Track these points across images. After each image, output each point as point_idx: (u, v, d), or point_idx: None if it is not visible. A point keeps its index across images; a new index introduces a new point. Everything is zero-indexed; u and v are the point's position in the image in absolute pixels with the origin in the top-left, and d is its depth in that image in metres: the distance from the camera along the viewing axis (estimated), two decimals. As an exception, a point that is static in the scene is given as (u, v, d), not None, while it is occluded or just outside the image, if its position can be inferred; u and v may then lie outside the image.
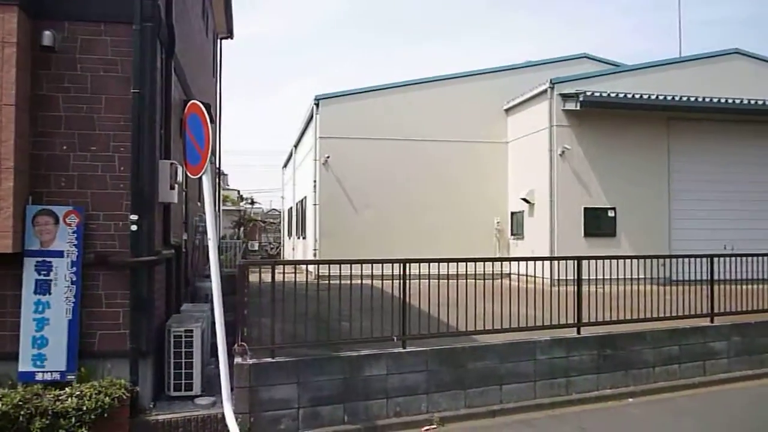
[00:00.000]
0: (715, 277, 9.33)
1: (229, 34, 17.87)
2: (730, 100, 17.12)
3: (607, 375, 8.11)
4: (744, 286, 9.55)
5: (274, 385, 6.51)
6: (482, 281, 7.90)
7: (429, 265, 7.32)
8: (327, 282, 7.03)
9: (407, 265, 7.28)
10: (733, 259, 9.49)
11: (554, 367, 7.82)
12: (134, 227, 6.32)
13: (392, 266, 7.30)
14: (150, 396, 6.47)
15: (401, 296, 7.22)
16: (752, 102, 17.30)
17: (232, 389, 6.05)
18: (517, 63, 21.43)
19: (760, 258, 9.64)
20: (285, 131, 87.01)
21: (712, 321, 9.10)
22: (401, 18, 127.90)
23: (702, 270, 9.33)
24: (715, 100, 17.01)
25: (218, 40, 17.76)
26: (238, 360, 6.49)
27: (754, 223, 18.28)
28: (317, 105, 19.48)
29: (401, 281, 7.22)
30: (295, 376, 6.61)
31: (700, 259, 9.27)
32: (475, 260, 7.71)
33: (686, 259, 9.37)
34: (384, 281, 7.81)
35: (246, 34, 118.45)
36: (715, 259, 9.28)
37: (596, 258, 8.55)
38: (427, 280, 7.44)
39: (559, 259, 10.07)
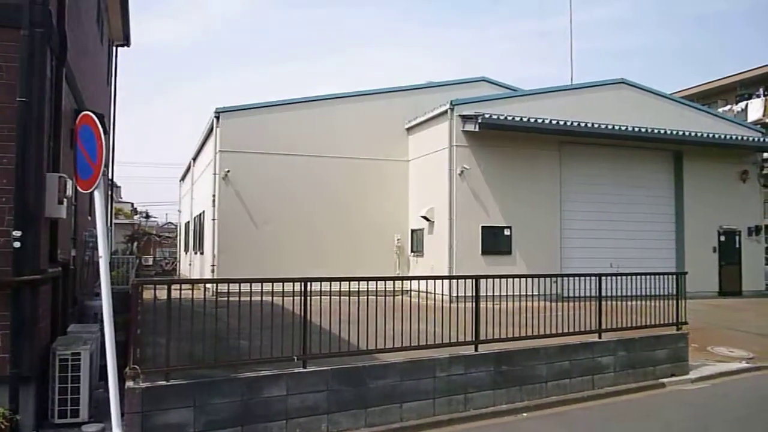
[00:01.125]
0: (603, 294, 9.79)
1: (126, 42, 17.24)
2: (616, 127, 18.16)
3: (503, 391, 8.32)
4: (628, 303, 10.06)
5: (169, 410, 6.25)
6: (383, 298, 7.92)
7: (330, 284, 7.29)
8: (226, 300, 6.85)
9: (308, 283, 7.20)
10: (619, 277, 9.99)
11: (453, 384, 7.94)
12: (17, 244, 5.94)
13: (292, 284, 7.20)
14: (32, 424, 6.07)
15: (302, 315, 7.13)
16: (636, 129, 18.41)
17: (122, 415, 5.75)
18: (418, 83, 21.88)
19: (643, 276, 10.19)
20: (184, 144, 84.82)
21: (600, 337, 9.53)
22: (300, 34, 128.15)
23: (590, 287, 9.78)
24: (603, 126, 18.00)
25: (114, 48, 17.08)
26: (129, 384, 6.19)
27: (636, 242, 19.43)
28: (218, 118, 19.09)
29: (302, 300, 7.14)
30: (190, 399, 6.37)
31: (589, 278, 9.71)
32: (375, 279, 7.75)
33: (577, 278, 9.80)
34: (285, 298, 7.71)
35: (149, 42, 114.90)
36: (603, 278, 9.73)
37: (493, 277, 8.77)
38: (328, 298, 7.40)
39: (457, 278, 10.24)
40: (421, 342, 7.93)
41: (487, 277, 8.74)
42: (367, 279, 7.63)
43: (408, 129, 20.69)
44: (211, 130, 20.06)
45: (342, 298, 7.41)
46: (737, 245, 21.48)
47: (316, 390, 7.00)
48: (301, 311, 7.14)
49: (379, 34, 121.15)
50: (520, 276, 9.23)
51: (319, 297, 7.36)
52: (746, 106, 39.81)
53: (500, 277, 8.78)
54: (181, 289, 6.64)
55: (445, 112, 18.04)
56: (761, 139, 21.76)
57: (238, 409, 6.58)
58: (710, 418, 8.25)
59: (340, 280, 7.34)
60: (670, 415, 8.42)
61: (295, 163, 19.37)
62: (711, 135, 19.94)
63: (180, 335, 6.73)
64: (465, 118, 17.66)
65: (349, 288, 7.28)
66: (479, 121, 16.98)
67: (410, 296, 9.21)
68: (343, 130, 20.01)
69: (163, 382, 6.33)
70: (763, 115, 37.93)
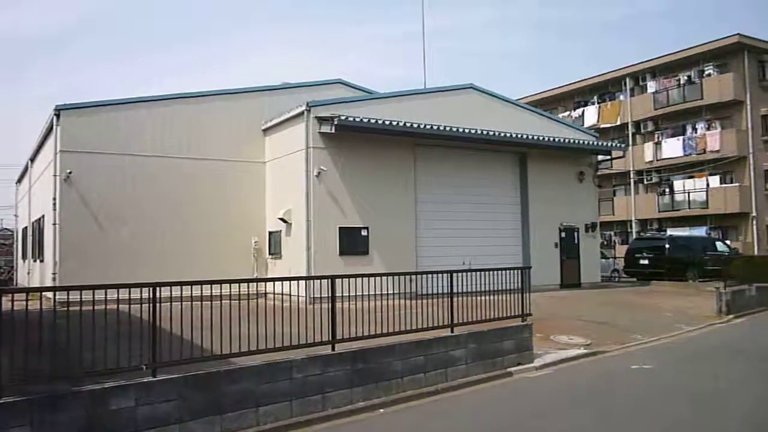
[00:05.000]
0: (455, 290, 10.18)
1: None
2: (466, 130, 18.95)
3: (360, 389, 8.42)
4: (479, 298, 10.55)
5: (2, 430, 5.76)
6: (239, 302, 7.77)
7: (181, 288, 7.04)
8: (66, 309, 6.41)
9: (158, 288, 6.91)
10: (469, 273, 10.44)
11: (310, 384, 7.94)
12: None
13: (140, 290, 6.87)
14: None
15: (151, 322, 6.83)
16: (484, 132, 19.31)
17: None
18: (274, 84, 21.69)
19: (491, 272, 10.71)
20: (20, 142, 78.48)
21: (452, 331, 9.90)
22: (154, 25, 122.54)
23: (444, 284, 10.15)
24: (454, 129, 18.72)
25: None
26: (-48, 405, 5.63)
27: (487, 240, 20.39)
28: (58, 116, 17.84)
29: (151, 306, 6.84)
30: (27, 417, 5.90)
31: (441, 275, 10.06)
32: (229, 282, 7.59)
33: (430, 275, 10.12)
34: (135, 306, 7.34)
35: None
36: (454, 275, 10.12)
37: (347, 276, 8.86)
38: (180, 303, 7.14)
39: (312, 278, 10.29)
40: (277, 344, 7.86)
41: (341, 276, 8.83)
42: (220, 282, 7.45)
43: (264, 130, 20.44)
44: (50, 128, 18.69)
45: (197, 303, 7.18)
46: (576, 241, 23.16)
47: (167, 399, 6.73)
48: (150, 317, 6.84)
49: (244, 32, 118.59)
50: (374, 275, 9.40)
51: (169, 303, 7.09)
52: (583, 112, 43.04)
53: (354, 276, 8.89)
54: (13, 300, 6.15)
55: (302, 113, 18.01)
56: (596, 143, 23.63)
57: (82, 425, 6.18)
58: (551, 400, 8.83)
59: (192, 284, 7.11)
60: (515, 401, 8.94)
61: (146, 164, 18.53)
62: (552, 138, 21.34)
63: (14, 350, 6.21)
64: (321, 120, 17.72)
65: (201, 292, 7.08)
66: (335, 122, 17.10)
67: (268, 299, 9.11)
68: (198, 130, 19.42)
69: (-6, 401, 5.82)
70: (598, 121, 41.18)
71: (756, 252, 32.25)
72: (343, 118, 17.16)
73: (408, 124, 17.99)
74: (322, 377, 8.07)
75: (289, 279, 10.29)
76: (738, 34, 34.76)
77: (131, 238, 18.00)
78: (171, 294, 7.03)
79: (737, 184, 35.08)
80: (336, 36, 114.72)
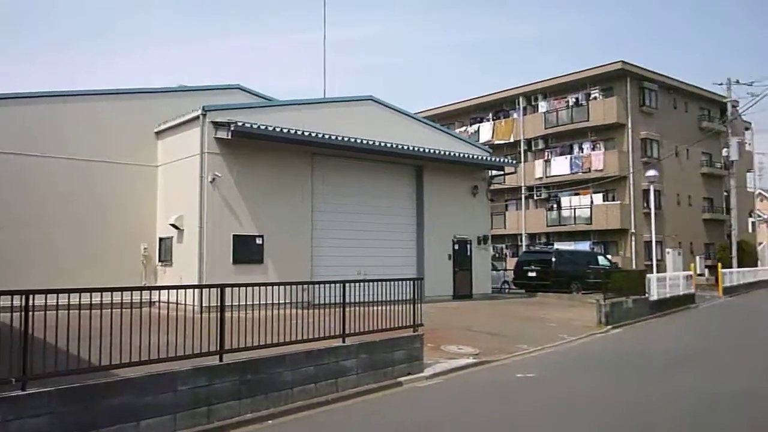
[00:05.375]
0: (349, 300, 10.18)
1: None
2: (364, 141, 19.10)
3: (248, 400, 8.24)
4: (372, 308, 10.59)
5: None
6: (126, 310, 7.42)
7: (57, 296, 6.65)
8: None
9: (30, 296, 6.49)
10: (363, 283, 10.48)
11: (196, 396, 7.69)
12: None
13: (11, 298, 6.44)
14: None
15: (22, 331, 6.41)
16: (382, 144, 19.53)
17: None
18: (170, 86, 21.06)
19: (384, 282, 10.80)
20: None
21: (343, 341, 9.89)
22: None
23: (338, 294, 10.13)
24: (352, 140, 18.82)
25: None
26: None
27: (382, 251, 20.59)
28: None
29: (22, 315, 6.42)
30: None
31: (334, 285, 10.04)
32: (111, 290, 7.22)
33: (323, 285, 10.07)
34: (7, 315, 6.87)
35: None
36: (347, 285, 10.12)
37: (238, 285, 8.67)
38: (61, 312, 6.73)
39: (201, 287, 9.98)
40: (162, 355, 7.57)
41: (232, 285, 8.63)
42: (101, 290, 7.08)
43: (158, 133, 19.78)
44: None
45: (80, 312, 6.80)
46: (469, 253, 23.80)
47: (38, 414, 6.33)
48: (21, 327, 6.42)
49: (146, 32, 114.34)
50: (265, 284, 9.22)
51: (43, 312, 6.67)
52: (479, 128, 44.42)
53: (244, 285, 8.70)
54: None
55: (197, 117, 17.57)
56: (489, 158, 24.42)
57: (-62, 444, 5.72)
58: (439, 409, 8.98)
59: (70, 291, 6.73)
60: (404, 411, 9.02)
61: (27, 165, 17.47)
62: (448, 152, 21.87)
63: None
64: (218, 125, 17.35)
65: (79, 300, 6.72)
66: (232, 129, 16.79)
67: (157, 308, 8.76)
68: (86, 130, 18.54)
69: None
70: (492, 137, 42.63)
71: (634, 266, 34.32)
72: (240, 124, 16.87)
73: (306, 134, 17.93)
74: (208, 389, 7.84)
75: (176, 287, 9.87)
76: (621, 61, 37.01)
77: (7, 242, 16.85)
78: (46, 302, 6.62)
79: (618, 202, 37.23)
80: (240, 42, 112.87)
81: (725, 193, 42.81)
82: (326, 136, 18.37)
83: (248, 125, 17.00)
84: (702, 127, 43.09)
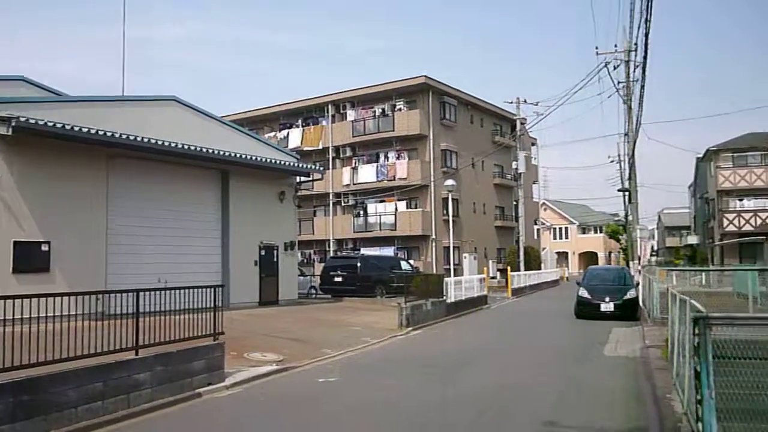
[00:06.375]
0: (148, 309, 9.65)
1: None
2: (166, 143, 18.26)
3: (24, 423, 7.49)
4: (173, 317, 10.13)
5: None
6: None
7: None
8: None
9: None
10: (160, 292, 9.99)
11: (-43, 423, 6.86)
12: None
13: None
14: None
15: None
16: (186, 147, 18.82)
17: None
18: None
19: (184, 290, 10.40)
20: None
21: (137, 353, 9.35)
22: None
23: (133, 304, 9.55)
24: (153, 141, 17.91)
25: None
26: None
27: (185, 257, 19.84)
28: None
29: None
30: None
31: (128, 294, 9.47)
32: None
33: (119, 294, 9.46)
34: None
35: None
36: (142, 293, 9.59)
37: (14, 297, 7.81)
38: None
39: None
40: None
41: (5, 298, 7.76)
42: None
43: None
44: None
45: None
46: (275, 259, 23.67)
47: None
48: None
49: None
50: (47, 295, 8.34)
51: None
52: (288, 134, 44.47)
53: (22, 297, 7.84)
54: None
55: (-37, 110, 15.69)
56: (297, 165, 24.50)
57: None
58: (239, 419, 8.81)
59: None
60: (203, 423, 8.74)
61: None
62: (255, 158, 21.60)
63: None
64: (-4, 120, 15.64)
65: None
66: (13, 124, 15.20)
67: None
68: None
69: None
70: (301, 144, 42.89)
71: (435, 270, 36.24)
72: (23, 119, 15.31)
73: (102, 133, 16.72)
74: (-25, 414, 7.02)
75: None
76: (425, 75, 39.04)
77: None
78: None
79: (420, 210, 39.17)
80: (31, 34, 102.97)
81: (515, 203, 46.68)
82: (124, 137, 17.28)
83: (33, 121, 15.47)
84: (495, 141, 46.73)
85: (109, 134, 16.87)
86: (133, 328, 9.39)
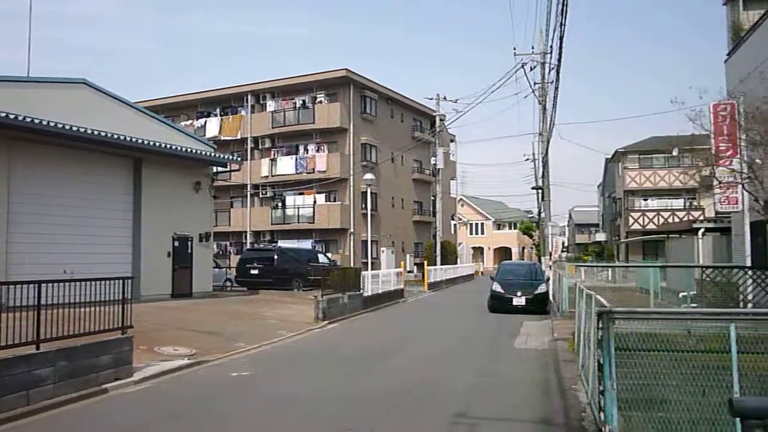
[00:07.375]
0: (52, 301, 9.20)
1: None
2: (74, 128, 17.45)
3: None
4: (80, 310, 9.71)
5: None
6: None
7: None
8: None
9: None
10: (65, 284, 9.56)
11: None
12: None
13: None
14: None
15: None
16: (96, 132, 18.05)
17: None
18: None
19: (91, 282, 9.99)
20: None
21: (38, 348, 8.92)
22: None
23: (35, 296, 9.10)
24: (59, 126, 17.08)
25: None
26: None
27: (94, 247, 19.07)
28: None
29: None
30: None
31: (29, 286, 9.00)
32: None
33: (16, 286, 8.98)
34: None
35: None
36: (44, 285, 9.14)
37: None
38: None
39: None
40: None
41: None
42: None
43: None
44: None
45: None
46: (189, 250, 23.08)
47: None
48: None
49: None
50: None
51: None
52: (205, 123, 43.46)
53: None
54: None
55: None
56: (213, 154, 23.96)
57: None
58: (146, 415, 8.53)
59: None
60: (107, 420, 8.43)
61: None
62: (169, 146, 20.95)
63: None
64: None
65: None
66: None
67: None
68: None
69: None
70: (219, 133, 42.02)
71: (352, 264, 36.26)
72: None
73: (3, 114, 15.80)
74: None
75: None
76: (346, 69, 38.95)
77: None
78: None
79: (339, 203, 39.13)
80: None
81: (432, 198, 47.36)
82: (27, 119, 16.37)
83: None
84: (415, 136, 47.15)
85: (11, 117, 15.95)
86: (34, 321, 8.95)
